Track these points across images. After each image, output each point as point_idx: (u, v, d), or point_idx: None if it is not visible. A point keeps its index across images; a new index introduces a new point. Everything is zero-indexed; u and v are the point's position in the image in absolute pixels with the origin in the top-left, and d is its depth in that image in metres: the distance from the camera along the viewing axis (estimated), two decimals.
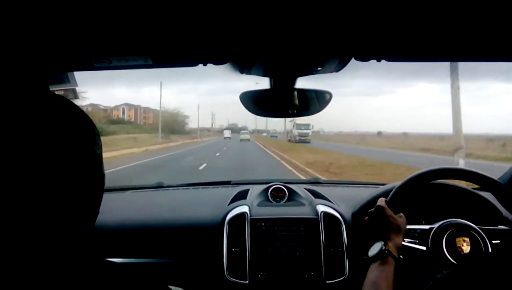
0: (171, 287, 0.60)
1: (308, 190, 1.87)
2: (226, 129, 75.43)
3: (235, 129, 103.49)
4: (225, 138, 59.39)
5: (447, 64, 11.14)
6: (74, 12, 0.81)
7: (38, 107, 0.54)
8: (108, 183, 0.70)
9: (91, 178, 0.58)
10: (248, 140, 47.05)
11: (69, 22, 0.86)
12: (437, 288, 0.65)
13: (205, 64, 1.10)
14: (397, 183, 1.32)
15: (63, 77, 1.22)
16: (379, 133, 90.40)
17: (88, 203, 0.58)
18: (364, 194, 1.64)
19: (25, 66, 1.03)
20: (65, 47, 1.00)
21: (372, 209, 1.21)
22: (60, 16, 0.83)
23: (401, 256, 1.11)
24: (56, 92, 1.24)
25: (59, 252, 0.55)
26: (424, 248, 1.25)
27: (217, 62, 1.09)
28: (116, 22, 0.87)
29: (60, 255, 0.55)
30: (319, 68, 1.13)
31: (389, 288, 1.01)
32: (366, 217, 1.22)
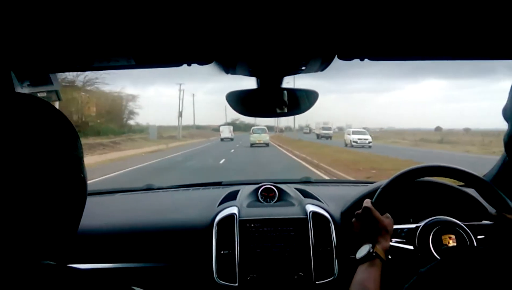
0: (134, 288, 0.59)
1: (298, 189, 1.86)
2: (224, 125, 46.59)
3: (238, 126, 77.21)
4: (222, 139, 38.76)
5: None
6: (54, 14, 0.80)
7: (16, 111, 0.53)
8: None
9: (71, 182, 0.57)
10: (267, 144, 27.85)
11: (49, 24, 0.85)
12: (420, 282, 0.65)
13: (189, 64, 1.09)
14: (383, 181, 1.32)
15: (45, 79, 1.21)
16: (438, 129, 66.66)
17: (69, 206, 0.57)
18: (354, 192, 1.64)
19: (3, 68, 1.01)
20: (45, 49, 0.98)
21: (359, 211, 1.21)
22: (40, 18, 0.82)
23: (389, 257, 1.11)
24: (38, 95, 1.22)
25: (38, 256, 0.54)
26: (411, 247, 1.25)
27: (202, 62, 1.08)
28: (98, 23, 0.86)
29: (38, 259, 0.54)
30: (303, 68, 1.12)
31: (377, 289, 1.02)
32: (353, 219, 1.23)
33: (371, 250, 1.09)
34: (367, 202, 1.21)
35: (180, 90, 46.42)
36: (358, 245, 1.16)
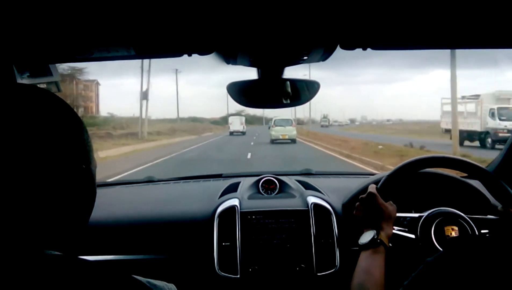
0: (135, 276, 0.59)
1: (299, 181, 1.86)
2: (234, 115, 36.35)
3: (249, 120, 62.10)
4: (231, 133, 32.12)
5: None
6: (54, 2, 0.79)
7: (19, 103, 0.52)
8: None
9: (79, 173, 0.57)
10: (293, 141, 21.62)
11: (49, 13, 0.84)
12: (427, 271, 0.65)
13: (189, 55, 1.09)
14: (386, 172, 1.31)
15: (45, 70, 1.20)
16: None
17: (78, 198, 0.57)
18: (355, 184, 1.63)
19: (4, 61, 1.00)
20: (45, 39, 0.97)
21: (364, 195, 1.20)
22: (39, 7, 0.81)
23: (390, 244, 1.11)
24: (38, 86, 1.21)
25: (45, 247, 0.54)
26: (413, 236, 1.25)
27: (202, 52, 1.07)
28: (98, 12, 0.85)
29: (44, 250, 0.53)
30: (305, 57, 1.11)
31: (382, 276, 1.02)
32: (357, 203, 1.21)
33: (376, 237, 1.08)
34: (372, 188, 1.21)
35: (142, 67, 28.09)
36: (360, 230, 1.15)
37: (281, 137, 21.40)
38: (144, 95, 27.83)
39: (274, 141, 21.22)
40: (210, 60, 1.13)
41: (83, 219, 0.60)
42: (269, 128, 24.83)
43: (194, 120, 60.00)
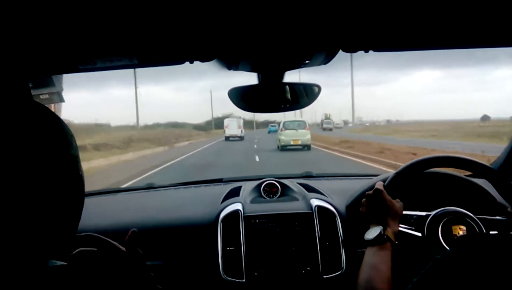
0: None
1: (301, 184, 1.86)
2: (231, 118, 31.48)
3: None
4: (227, 138, 28.33)
5: None
6: (57, 13, 0.79)
7: (8, 113, 0.53)
8: None
9: (68, 181, 0.57)
10: (307, 147, 18.48)
11: (52, 24, 0.84)
12: (437, 268, 0.65)
13: (191, 62, 1.09)
14: (390, 173, 1.32)
15: (47, 81, 1.20)
16: (485, 118, 54.10)
17: (67, 206, 0.57)
18: (357, 186, 1.64)
19: (4, 70, 1.00)
20: (48, 49, 0.98)
21: (370, 192, 1.20)
22: (42, 18, 0.81)
23: (396, 242, 1.11)
24: (40, 96, 1.21)
25: (39, 257, 0.54)
26: (419, 234, 1.25)
27: (204, 59, 1.08)
28: (100, 23, 0.85)
29: (40, 260, 0.54)
30: (307, 61, 1.12)
31: (389, 272, 1.02)
32: (363, 199, 1.22)
33: (382, 233, 1.08)
34: (379, 185, 1.21)
35: None
36: (365, 227, 1.15)
37: (292, 142, 17.90)
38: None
39: (283, 148, 17.81)
40: (196, 66, 1.14)
41: (73, 227, 0.60)
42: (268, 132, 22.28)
43: (174, 125, 53.77)
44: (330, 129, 51.98)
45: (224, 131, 29.54)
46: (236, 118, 29.28)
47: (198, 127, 53.53)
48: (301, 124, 18.78)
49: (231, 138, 27.92)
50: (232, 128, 28.67)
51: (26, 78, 1.10)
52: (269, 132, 45.26)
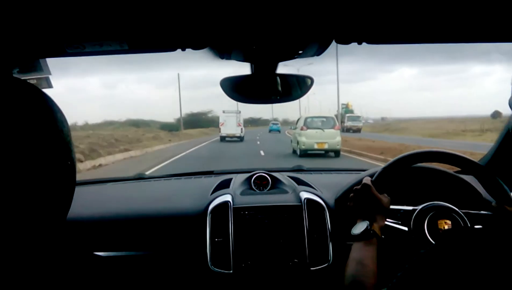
0: None
1: (292, 177, 1.87)
2: (229, 112, 23.32)
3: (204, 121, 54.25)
4: (223, 138, 22.93)
5: None
6: None
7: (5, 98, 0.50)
8: None
9: (59, 168, 0.55)
10: (337, 153, 13.71)
11: (39, 4, 0.82)
12: (421, 263, 0.65)
13: (183, 49, 1.07)
14: (379, 167, 1.32)
15: (35, 65, 1.17)
16: (496, 115, 40.59)
17: (57, 194, 0.56)
18: (347, 180, 1.64)
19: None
20: (35, 32, 0.95)
21: (358, 187, 1.20)
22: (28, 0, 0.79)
23: (383, 236, 1.12)
24: (27, 80, 1.19)
25: (30, 246, 0.52)
26: (405, 228, 1.26)
27: (196, 47, 1.06)
28: (91, 4, 0.83)
29: (32, 249, 0.52)
30: (300, 52, 1.11)
31: (375, 267, 1.02)
32: (351, 194, 1.22)
33: (369, 227, 1.09)
34: (367, 180, 1.21)
35: None
36: (353, 221, 1.16)
37: (316, 146, 13.48)
38: None
39: (305, 153, 13.58)
40: (181, 57, 1.12)
41: (63, 215, 0.59)
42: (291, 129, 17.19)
43: (134, 124, 42.57)
44: (358, 130, 35.37)
45: (219, 129, 23.35)
46: (235, 113, 22.90)
47: (167, 126, 40.57)
48: (329, 122, 14.35)
49: (227, 138, 22.36)
50: (229, 125, 22.71)
51: (11, 61, 1.07)
52: (270, 130, 41.37)
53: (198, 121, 56.04)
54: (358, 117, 38.06)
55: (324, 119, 14.49)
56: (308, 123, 14.12)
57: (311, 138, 13.55)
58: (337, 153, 13.83)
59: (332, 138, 13.61)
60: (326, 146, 13.54)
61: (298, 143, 13.96)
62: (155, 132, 31.74)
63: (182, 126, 40.90)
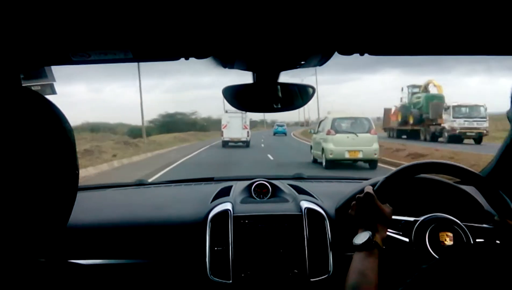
0: None
1: (292, 186, 1.86)
2: (232, 113, 18.82)
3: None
4: (226, 143, 19.93)
5: None
6: (51, 3, 0.78)
7: (3, 103, 0.51)
8: None
9: (63, 176, 0.56)
10: (374, 163, 10.88)
11: (46, 13, 0.83)
12: (423, 278, 0.65)
13: (187, 58, 1.09)
14: (380, 177, 1.32)
15: (40, 72, 1.18)
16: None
17: (62, 202, 0.56)
18: (348, 189, 1.64)
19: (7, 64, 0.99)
20: (41, 40, 0.96)
21: (361, 195, 1.19)
22: (35, 7, 0.80)
23: (384, 247, 1.12)
24: (32, 88, 1.20)
25: (28, 252, 0.53)
26: (407, 239, 1.26)
27: (199, 56, 1.07)
28: (96, 14, 0.84)
29: (29, 255, 0.52)
30: (302, 62, 1.12)
31: (376, 278, 1.02)
32: (353, 203, 1.21)
33: (371, 238, 1.08)
34: (369, 188, 1.20)
35: None
36: (354, 231, 1.15)
37: (347, 155, 11.06)
38: None
39: (332, 163, 11.04)
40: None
41: (64, 221, 0.59)
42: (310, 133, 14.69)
43: (93, 128, 35.27)
44: (480, 138, 20.00)
45: (222, 132, 20.36)
46: (241, 113, 19.03)
47: (135, 131, 32.58)
48: (363, 124, 11.58)
49: (230, 143, 19.80)
50: (234, 128, 19.70)
51: (18, 68, 1.08)
52: (274, 133, 38.77)
53: (175, 123, 47.54)
54: (480, 110, 19.83)
55: (358, 121, 11.68)
56: (336, 126, 11.38)
57: (341, 145, 10.90)
58: (373, 163, 11.20)
59: (368, 144, 11.03)
60: (360, 155, 11.01)
61: (323, 151, 11.32)
62: (106, 140, 22.97)
63: (146, 131, 29.43)
